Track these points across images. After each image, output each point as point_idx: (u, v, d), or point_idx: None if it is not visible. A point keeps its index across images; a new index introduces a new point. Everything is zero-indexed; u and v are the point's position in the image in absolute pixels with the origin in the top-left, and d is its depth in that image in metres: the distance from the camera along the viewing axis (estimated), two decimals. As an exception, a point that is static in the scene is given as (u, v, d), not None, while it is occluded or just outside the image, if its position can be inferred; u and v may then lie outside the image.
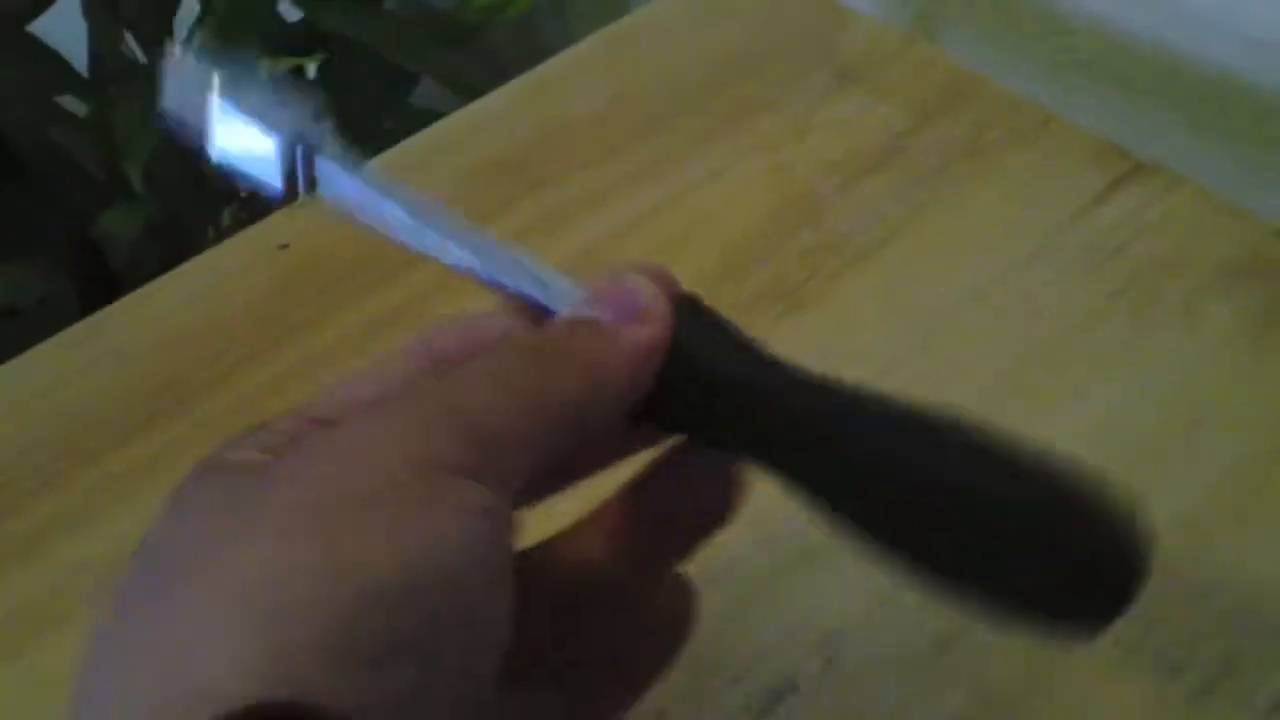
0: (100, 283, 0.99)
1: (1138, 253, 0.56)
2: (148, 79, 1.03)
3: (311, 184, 0.34)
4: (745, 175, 0.61)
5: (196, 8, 1.08)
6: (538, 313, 0.33)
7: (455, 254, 0.34)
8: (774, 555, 0.47)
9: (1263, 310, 0.54)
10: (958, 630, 0.45)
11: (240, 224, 0.60)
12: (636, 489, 0.33)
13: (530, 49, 0.71)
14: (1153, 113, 0.74)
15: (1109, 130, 0.61)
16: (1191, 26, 0.70)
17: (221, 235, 0.56)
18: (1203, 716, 0.42)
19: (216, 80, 0.33)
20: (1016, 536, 0.30)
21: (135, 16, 1.07)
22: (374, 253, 0.59)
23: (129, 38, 1.11)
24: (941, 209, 0.59)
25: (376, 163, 0.63)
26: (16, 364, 0.56)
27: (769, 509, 0.48)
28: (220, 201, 1.07)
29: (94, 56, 1.10)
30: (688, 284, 0.54)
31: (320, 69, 1.14)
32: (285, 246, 0.59)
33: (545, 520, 0.33)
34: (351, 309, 0.57)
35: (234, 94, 0.33)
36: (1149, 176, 0.59)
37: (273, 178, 0.33)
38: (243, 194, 1.08)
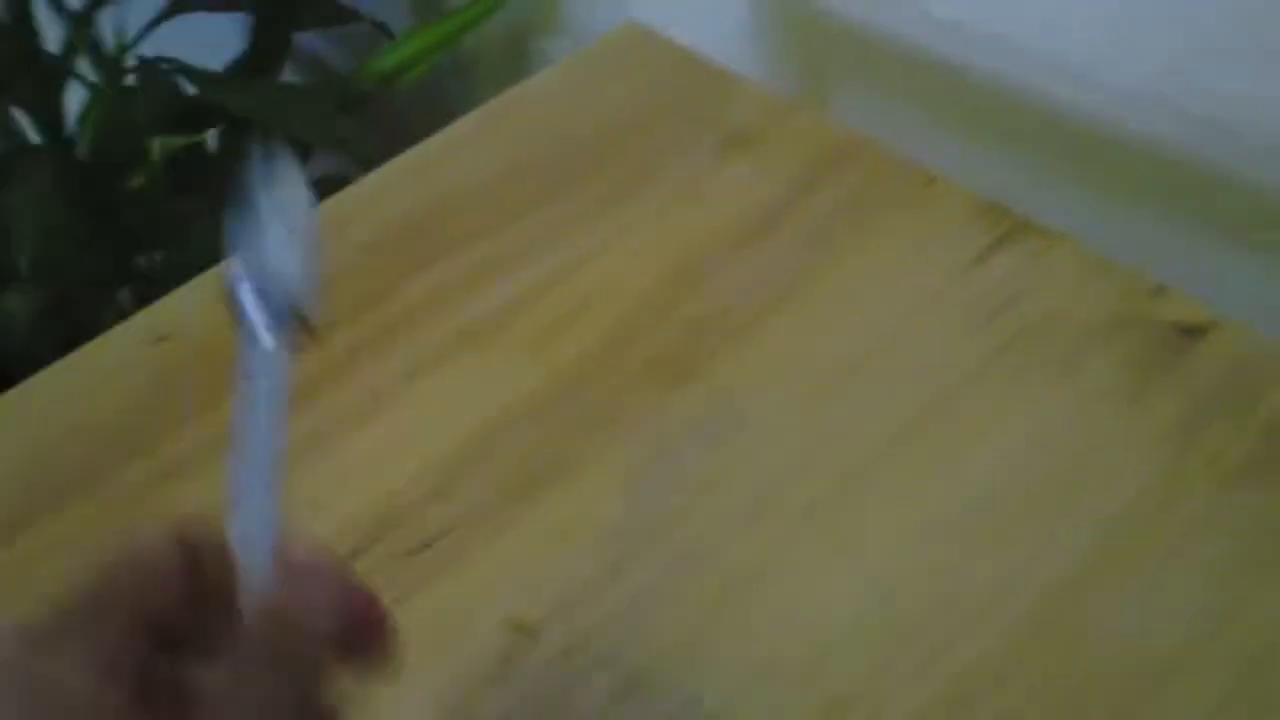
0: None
1: (1019, 309, 0.57)
2: (38, 161, 1.01)
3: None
4: (634, 245, 0.61)
5: (87, 91, 1.07)
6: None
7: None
8: (654, 635, 0.47)
9: (1140, 363, 0.54)
10: (847, 693, 0.44)
11: (139, 304, 0.59)
12: None
13: (436, 111, 0.71)
14: (1036, 168, 0.75)
15: (993, 186, 0.62)
16: (1071, 80, 0.71)
17: (121, 315, 0.55)
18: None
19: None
20: None
21: (26, 97, 1.05)
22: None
23: (21, 119, 1.10)
24: (827, 273, 0.59)
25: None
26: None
27: (642, 588, 0.48)
28: (116, 282, 1.05)
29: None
30: (577, 359, 0.54)
31: (218, 142, 1.13)
32: (164, 339, 0.58)
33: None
34: (232, 400, 0.56)
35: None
36: (1030, 234, 0.60)
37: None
38: (141, 271, 1.07)
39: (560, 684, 0.46)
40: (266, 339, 0.36)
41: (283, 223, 0.37)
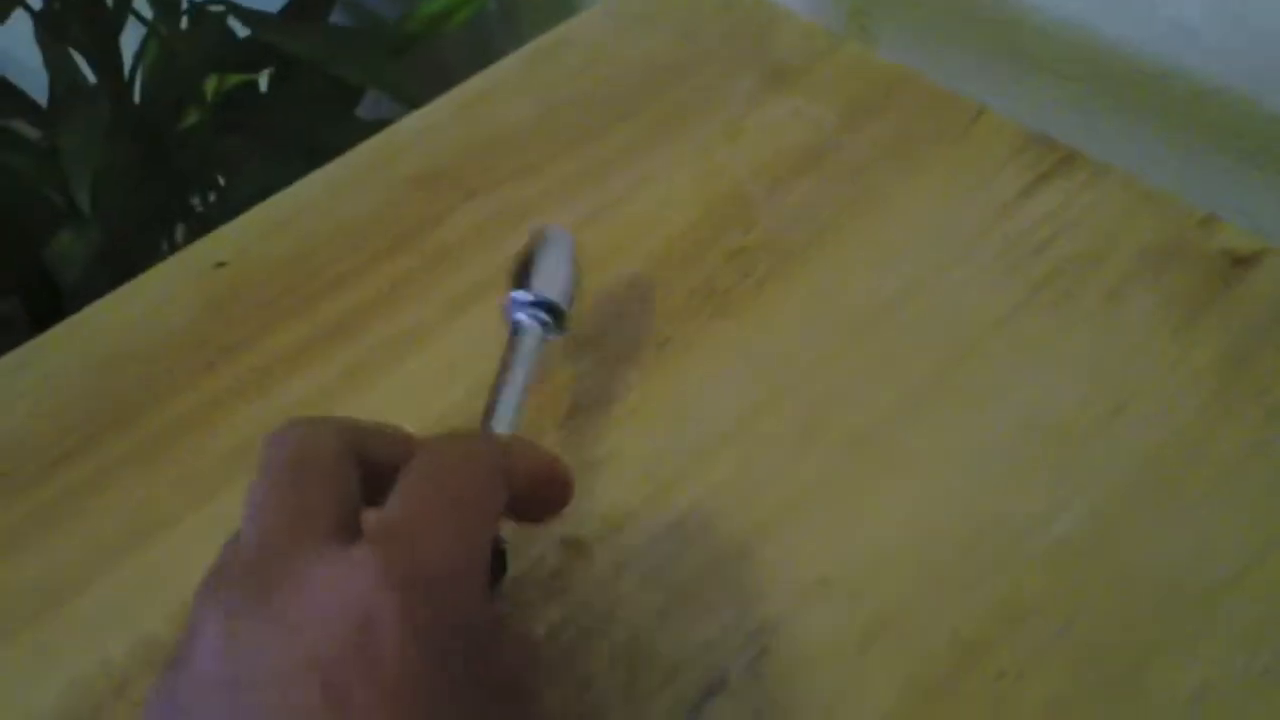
0: (52, 305, 1.00)
1: (1064, 243, 0.57)
2: (96, 101, 1.03)
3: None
4: (677, 181, 0.62)
5: (144, 31, 1.09)
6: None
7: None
8: (702, 554, 0.48)
9: (1186, 298, 0.54)
10: (885, 621, 0.45)
11: (192, 242, 0.61)
12: None
13: (481, 56, 0.71)
14: (1083, 101, 0.75)
15: (1040, 119, 0.62)
16: (1122, 13, 0.71)
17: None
18: (1126, 704, 0.43)
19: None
20: None
21: (84, 39, 1.07)
22: (312, 269, 0.59)
23: (79, 60, 1.11)
24: (870, 208, 0.60)
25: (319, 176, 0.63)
26: (-47, 391, 0.56)
27: (690, 510, 0.49)
28: (170, 221, 1.07)
29: (51, 82, 1.10)
30: (619, 289, 0.55)
31: (269, 83, 1.14)
32: (223, 265, 0.60)
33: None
34: (289, 326, 0.57)
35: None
36: (1076, 167, 0.60)
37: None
38: (194, 210, 1.08)
39: (609, 599, 0.47)
40: (535, 329, 0.50)
41: (552, 255, 0.52)
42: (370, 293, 0.58)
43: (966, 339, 0.54)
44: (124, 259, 1.00)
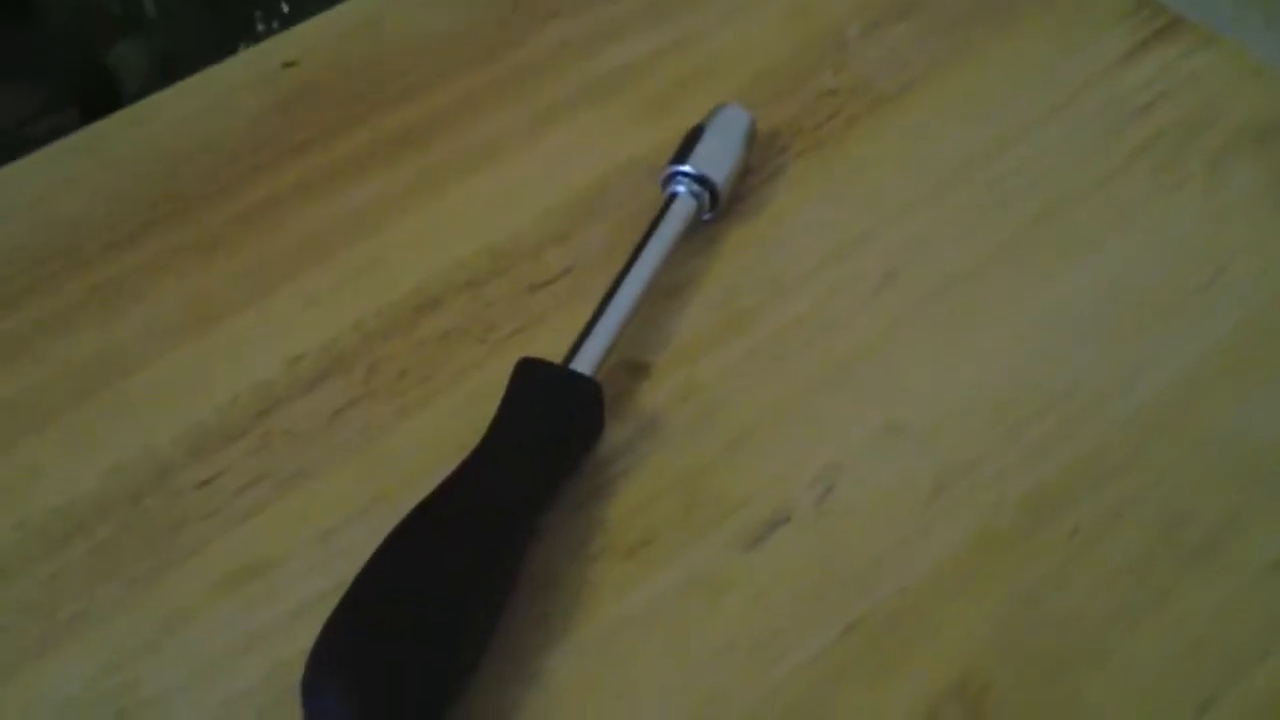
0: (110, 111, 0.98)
1: (1165, 110, 0.55)
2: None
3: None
4: (768, 14, 0.59)
5: None
6: None
7: None
8: (773, 388, 0.46)
9: (1288, 173, 0.52)
10: (958, 470, 0.44)
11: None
12: None
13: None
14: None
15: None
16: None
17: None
18: (1201, 573, 0.41)
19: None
20: None
21: None
22: (382, 73, 0.57)
23: None
24: (967, 60, 0.57)
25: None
26: (14, 168, 0.55)
27: (764, 344, 0.48)
28: (236, 33, 1.05)
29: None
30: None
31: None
32: (292, 64, 0.58)
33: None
34: (356, 131, 0.56)
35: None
36: (1181, 33, 0.57)
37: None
38: (259, 27, 1.06)
39: (674, 425, 0.45)
40: (688, 203, 0.50)
41: (720, 135, 0.51)
42: (444, 104, 0.57)
43: (1058, 197, 0.52)
44: (186, 72, 0.98)
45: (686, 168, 0.50)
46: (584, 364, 0.44)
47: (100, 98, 1.00)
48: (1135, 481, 0.43)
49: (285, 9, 1.11)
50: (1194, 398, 0.46)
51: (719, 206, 0.51)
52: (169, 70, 0.97)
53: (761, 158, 0.54)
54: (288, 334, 0.49)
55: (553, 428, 0.42)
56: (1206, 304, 0.48)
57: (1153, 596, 0.41)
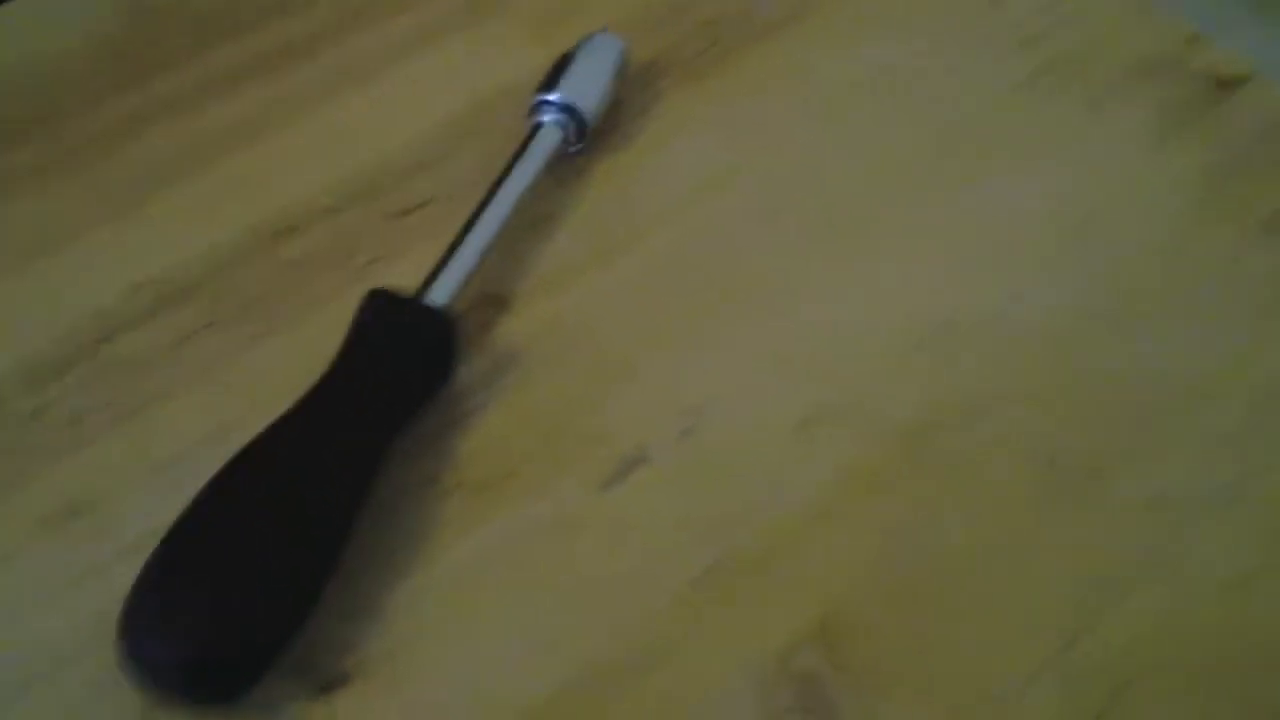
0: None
1: (1052, 43, 0.54)
2: None
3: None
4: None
5: None
6: None
7: None
8: (638, 323, 0.45)
9: (1171, 110, 0.52)
10: (827, 406, 0.43)
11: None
12: None
13: None
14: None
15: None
16: None
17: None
18: (1073, 510, 0.41)
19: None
20: None
21: None
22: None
23: None
24: (852, -12, 0.56)
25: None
26: None
27: (631, 277, 0.46)
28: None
29: None
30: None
31: None
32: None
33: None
34: (210, 53, 0.53)
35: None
36: (1069, -33, 0.56)
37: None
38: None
39: (535, 359, 0.44)
40: (554, 133, 0.48)
41: (590, 63, 0.49)
42: (307, 25, 0.54)
43: (941, 131, 0.51)
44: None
45: (553, 96, 0.48)
46: (440, 295, 0.42)
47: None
48: (1009, 417, 0.43)
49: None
50: (1072, 334, 0.45)
51: (587, 137, 0.49)
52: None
53: (635, 88, 0.52)
54: (131, 260, 0.46)
55: (401, 361, 0.40)
56: (1087, 240, 0.47)
57: (1023, 532, 0.40)
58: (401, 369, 0.40)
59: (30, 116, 0.51)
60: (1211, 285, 0.46)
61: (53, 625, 0.37)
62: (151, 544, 0.36)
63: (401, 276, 0.43)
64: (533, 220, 0.47)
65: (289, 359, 0.43)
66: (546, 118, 0.48)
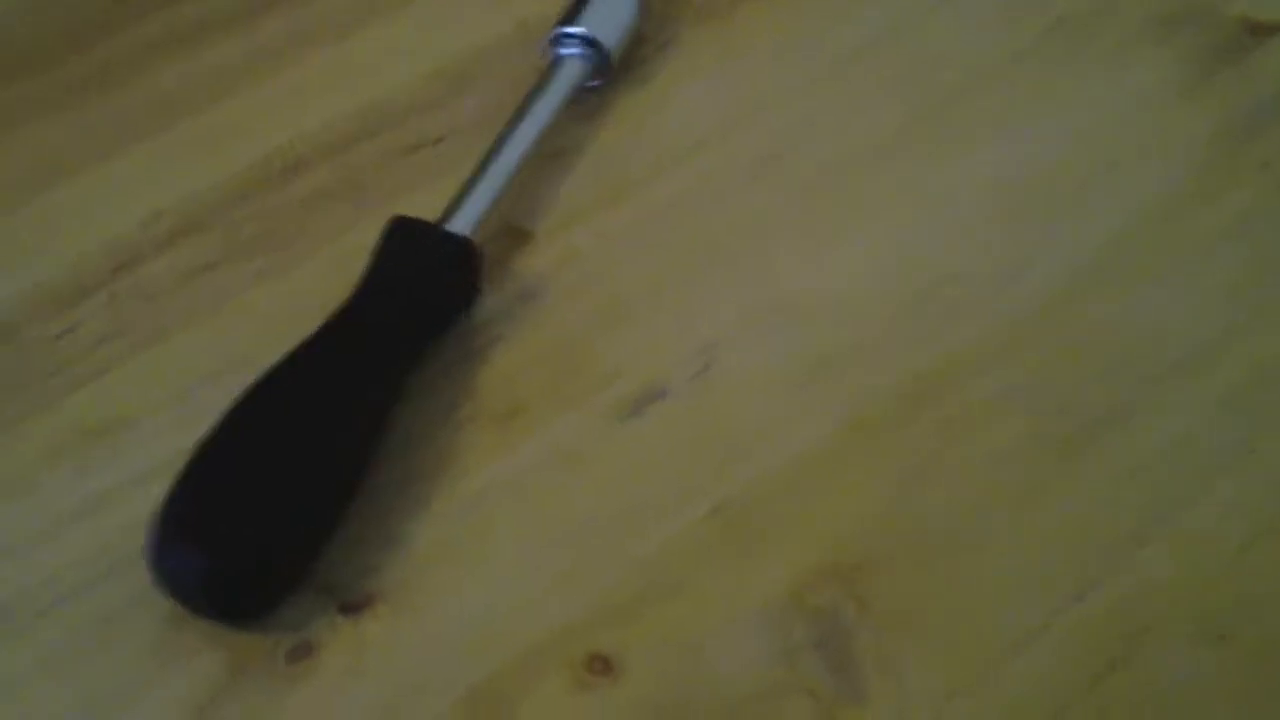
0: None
1: (1066, -2, 0.53)
2: None
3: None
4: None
5: None
6: None
7: None
8: (655, 261, 0.45)
9: (1198, 59, 0.51)
10: (837, 353, 0.43)
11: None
12: None
13: None
14: None
15: None
16: None
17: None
18: (1079, 465, 0.40)
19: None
20: None
21: None
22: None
23: None
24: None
25: None
26: None
27: (644, 217, 0.46)
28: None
29: None
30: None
31: None
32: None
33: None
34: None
35: None
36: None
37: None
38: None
39: (553, 293, 0.44)
40: (575, 66, 0.47)
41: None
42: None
43: (954, 83, 0.51)
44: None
45: (577, 29, 0.48)
46: (461, 225, 0.42)
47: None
48: (1015, 371, 0.42)
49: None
50: (1080, 290, 0.45)
51: (609, 72, 0.49)
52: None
53: (654, 27, 0.52)
54: (145, 191, 0.46)
55: (425, 287, 0.40)
56: (1098, 196, 0.47)
57: (1029, 486, 0.40)
58: (425, 295, 0.40)
59: (41, 45, 0.50)
60: (1232, 241, 0.46)
61: (79, 544, 0.38)
62: (172, 467, 0.36)
63: (413, 211, 0.43)
64: (551, 155, 0.47)
65: (302, 293, 0.43)
66: (569, 50, 0.48)
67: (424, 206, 0.44)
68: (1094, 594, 0.38)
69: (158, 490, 0.35)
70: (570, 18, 0.48)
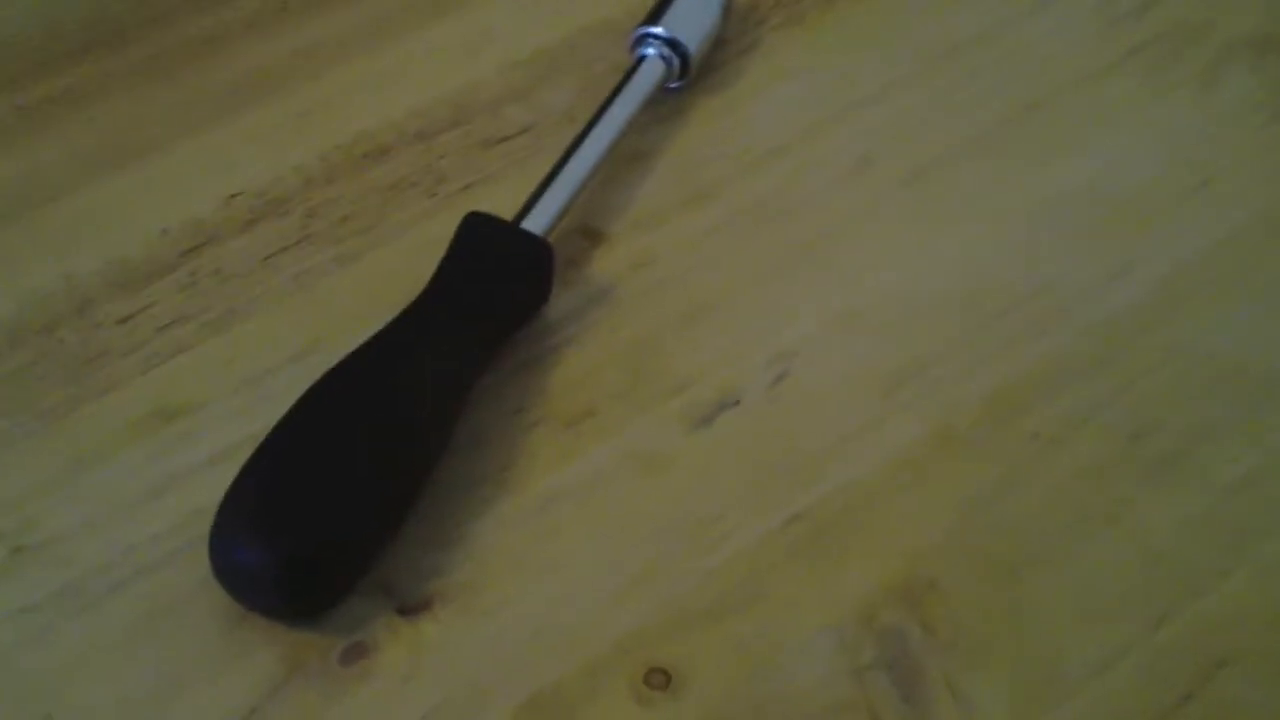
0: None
1: (1161, 14, 0.52)
2: None
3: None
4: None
5: None
6: None
7: None
8: (732, 266, 0.44)
9: (1284, 87, 0.50)
10: (918, 364, 0.42)
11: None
12: None
13: None
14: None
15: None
16: None
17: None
18: (1163, 487, 0.39)
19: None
20: None
21: None
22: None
23: None
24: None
25: None
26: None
27: (726, 219, 0.45)
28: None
29: None
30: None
31: None
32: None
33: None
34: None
35: None
36: (1184, -63, 0.55)
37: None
38: None
39: (626, 296, 0.43)
40: (657, 66, 0.47)
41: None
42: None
43: (1044, 92, 0.50)
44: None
45: (658, 29, 0.47)
46: (536, 224, 0.42)
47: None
48: (1101, 388, 0.42)
49: None
50: (1169, 308, 0.44)
51: (689, 74, 0.48)
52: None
53: (738, 29, 0.51)
54: (225, 171, 0.46)
55: (498, 286, 0.40)
56: (1189, 215, 0.46)
57: (1111, 506, 0.39)
58: (497, 293, 0.40)
59: (128, 20, 0.50)
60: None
61: (146, 527, 0.37)
62: (241, 452, 0.36)
63: (491, 205, 0.43)
64: (630, 156, 0.47)
65: (378, 280, 0.43)
66: (650, 50, 0.47)
67: (504, 199, 0.43)
68: (1171, 623, 0.37)
69: (226, 475, 0.35)
70: (653, 18, 0.48)
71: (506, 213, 0.42)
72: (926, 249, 0.45)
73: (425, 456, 0.37)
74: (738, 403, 0.41)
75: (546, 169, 0.44)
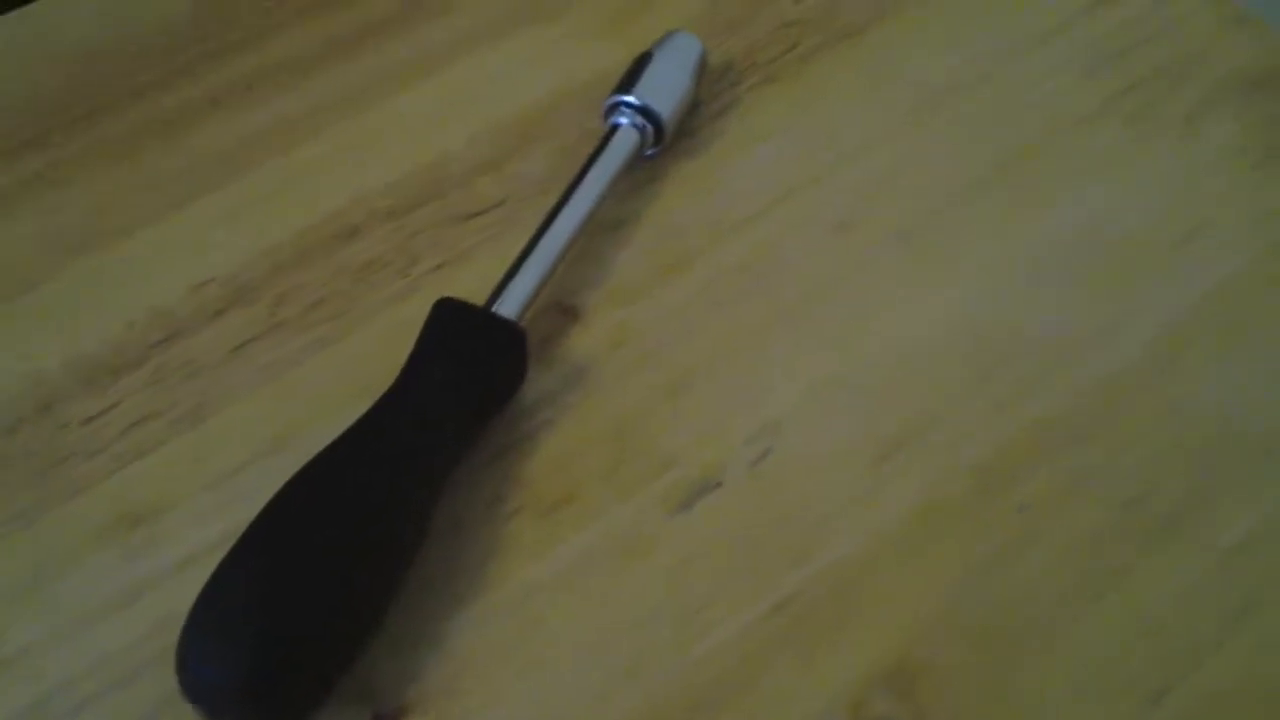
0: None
1: (1145, 56, 0.51)
2: None
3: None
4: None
5: None
6: None
7: None
8: (712, 338, 0.43)
9: (1270, 128, 0.49)
10: (905, 433, 0.41)
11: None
12: None
13: None
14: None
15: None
16: None
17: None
18: (1160, 555, 0.39)
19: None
20: None
21: None
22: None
23: None
24: (938, -8, 0.54)
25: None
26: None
27: (703, 289, 0.44)
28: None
29: None
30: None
31: None
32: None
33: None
34: (279, 37, 0.52)
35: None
36: (1165, -24, 0.54)
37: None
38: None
39: (604, 374, 0.42)
40: (631, 136, 0.46)
41: (669, 64, 0.48)
42: (375, 13, 0.53)
43: (1026, 143, 0.49)
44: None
45: (630, 98, 0.46)
46: (509, 306, 0.41)
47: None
48: (1095, 452, 0.41)
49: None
50: (1161, 365, 0.43)
51: (664, 141, 0.47)
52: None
53: (712, 90, 0.50)
54: (192, 256, 0.45)
55: (470, 374, 0.39)
56: (1178, 265, 0.45)
57: (1107, 577, 0.38)
58: (471, 381, 0.39)
59: (91, 101, 0.50)
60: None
61: (111, 638, 0.37)
62: (212, 554, 0.35)
63: (468, 283, 0.42)
64: (605, 227, 0.46)
65: (352, 365, 0.42)
66: (623, 120, 0.46)
67: (478, 277, 0.43)
68: (1172, 697, 0.36)
69: (197, 579, 0.34)
70: (625, 86, 0.47)
71: (481, 292, 0.41)
72: (909, 311, 0.44)
73: (401, 556, 0.36)
74: (720, 484, 0.40)
75: (521, 244, 0.43)
